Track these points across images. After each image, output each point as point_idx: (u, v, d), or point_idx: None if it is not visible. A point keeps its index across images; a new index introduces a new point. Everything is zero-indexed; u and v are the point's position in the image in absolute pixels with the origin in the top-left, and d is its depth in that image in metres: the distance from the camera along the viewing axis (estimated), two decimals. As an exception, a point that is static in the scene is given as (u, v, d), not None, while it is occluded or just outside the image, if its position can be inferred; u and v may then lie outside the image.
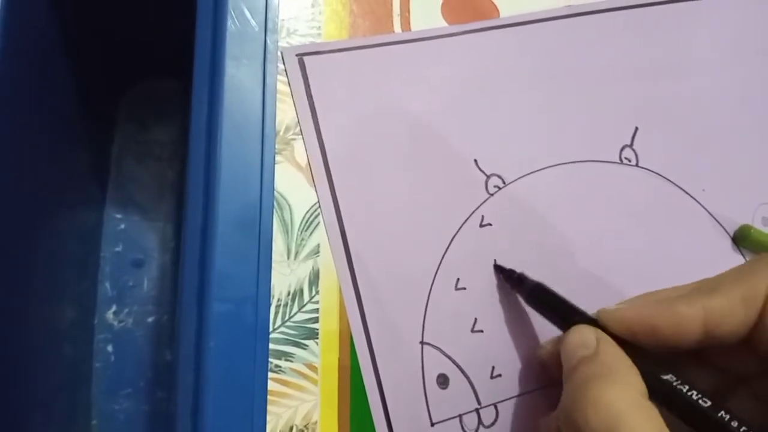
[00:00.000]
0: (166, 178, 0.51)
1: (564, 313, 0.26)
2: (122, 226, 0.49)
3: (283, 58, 0.29)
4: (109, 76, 0.50)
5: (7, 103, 0.33)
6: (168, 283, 0.49)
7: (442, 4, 0.31)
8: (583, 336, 0.24)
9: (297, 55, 0.29)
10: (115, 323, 0.47)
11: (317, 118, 0.29)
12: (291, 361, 0.26)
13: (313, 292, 0.27)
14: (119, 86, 0.52)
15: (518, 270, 0.28)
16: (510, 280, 0.29)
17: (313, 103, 0.29)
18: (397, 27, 0.31)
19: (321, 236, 0.28)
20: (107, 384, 0.46)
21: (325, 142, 0.28)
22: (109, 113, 0.51)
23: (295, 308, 0.27)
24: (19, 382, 0.38)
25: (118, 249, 0.48)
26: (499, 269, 0.29)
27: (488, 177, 0.30)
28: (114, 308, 0.47)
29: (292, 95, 0.29)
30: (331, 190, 0.28)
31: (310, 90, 0.29)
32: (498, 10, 0.32)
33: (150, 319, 0.48)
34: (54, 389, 0.43)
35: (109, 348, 0.47)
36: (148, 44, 0.47)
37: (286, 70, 0.29)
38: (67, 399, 0.45)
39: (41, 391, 0.41)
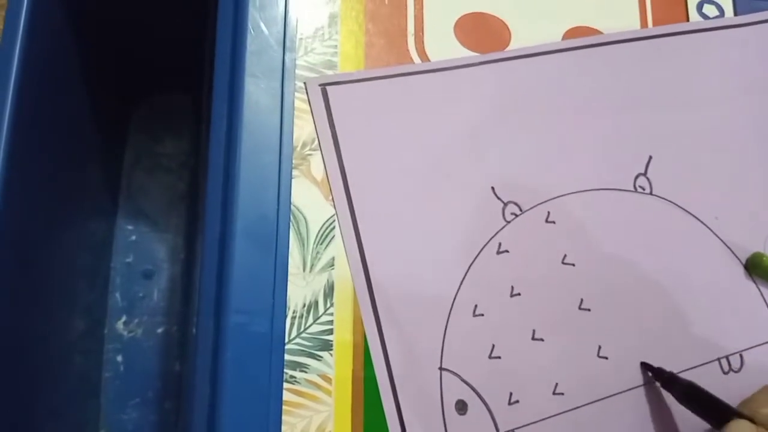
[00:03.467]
0: (177, 190, 0.51)
1: (718, 411, 0.28)
2: (133, 238, 0.49)
3: (306, 89, 0.30)
4: (122, 90, 0.51)
5: (24, 117, 0.33)
6: (177, 294, 0.49)
7: (455, 25, 0.32)
8: (743, 429, 0.26)
9: (320, 86, 0.30)
10: (125, 334, 0.48)
11: (339, 146, 0.29)
12: (306, 372, 0.27)
13: (328, 304, 0.28)
14: (131, 100, 0.52)
15: (666, 369, 0.30)
16: (660, 379, 0.29)
17: (335, 131, 0.29)
18: (411, 46, 0.31)
19: (336, 249, 0.28)
20: (116, 394, 0.47)
21: (346, 168, 0.29)
22: (121, 127, 0.52)
23: (311, 320, 0.27)
24: (30, 392, 0.38)
25: (129, 260, 0.49)
26: (647, 367, 0.30)
27: (505, 204, 0.31)
28: (124, 318, 0.48)
29: (314, 124, 0.29)
30: (351, 216, 0.29)
31: (332, 119, 0.30)
32: (509, 31, 0.33)
33: (159, 330, 0.48)
34: (64, 399, 0.43)
35: (119, 358, 0.47)
36: (159, 60, 0.48)
37: (309, 100, 0.29)
38: (77, 409, 0.45)
39: (51, 401, 0.41)
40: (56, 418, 0.42)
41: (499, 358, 0.29)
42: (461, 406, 0.28)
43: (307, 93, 0.30)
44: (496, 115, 0.32)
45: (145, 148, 0.52)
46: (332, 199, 0.29)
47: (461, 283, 0.29)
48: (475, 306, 0.29)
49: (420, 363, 0.28)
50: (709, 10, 0.36)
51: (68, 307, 0.44)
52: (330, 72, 0.30)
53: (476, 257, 0.30)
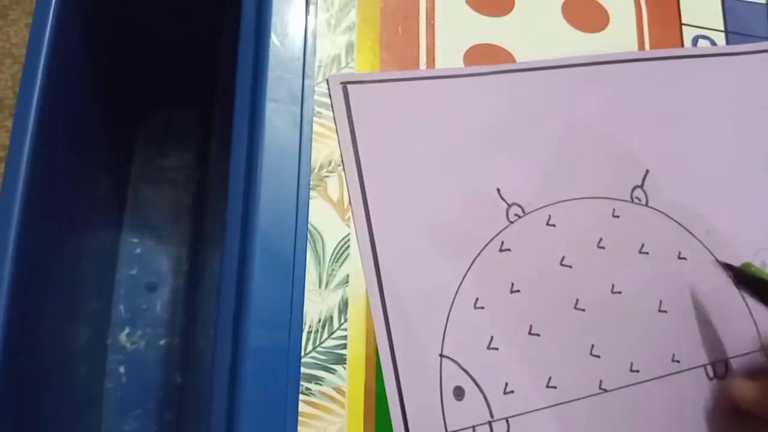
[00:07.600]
0: (182, 203, 0.52)
1: None
2: (138, 250, 0.50)
3: (328, 85, 0.31)
4: (129, 105, 0.52)
5: (44, 132, 0.34)
6: (180, 306, 0.50)
7: (464, 55, 0.34)
8: None
9: (341, 83, 0.32)
10: (128, 345, 0.48)
11: (356, 139, 0.31)
12: (320, 385, 0.28)
13: (342, 320, 0.29)
14: (138, 115, 0.53)
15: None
16: (736, 276, 0.32)
17: (353, 126, 0.31)
18: (423, 74, 0.33)
19: (350, 267, 0.29)
20: (118, 405, 0.47)
21: (362, 161, 0.31)
22: (128, 140, 0.52)
23: (325, 334, 0.28)
24: (32, 400, 0.38)
25: (133, 272, 0.50)
26: (723, 265, 0.33)
27: (509, 206, 0.32)
28: (127, 330, 0.49)
29: (334, 119, 0.31)
30: (365, 208, 0.30)
31: (351, 115, 0.31)
32: (516, 61, 0.35)
33: (162, 342, 0.49)
34: (66, 409, 0.43)
35: (121, 369, 0.48)
36: (167, 75, 0.49)
37: (330, 96, 0.31)
38: (78, 419, 0.45)
39: (53, 410, 0.41)
40: (57, 427, 0.42)
41: (497, 349, 0.30)
42: (459, 392, 0.29)
43: (328, 89, 0.31)
44: (504, 121, 0.33)
45: (151, 162, 0.53)
46: (349, 196, 0.30)
47: (464, 277, 0.31)
48: (477, 299, 0.31)
49: (422, 349, 0.29)
50: (704, 44, 0.38)
51: (73, 317, 0.44)
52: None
53: (479, 254, 0.31)
